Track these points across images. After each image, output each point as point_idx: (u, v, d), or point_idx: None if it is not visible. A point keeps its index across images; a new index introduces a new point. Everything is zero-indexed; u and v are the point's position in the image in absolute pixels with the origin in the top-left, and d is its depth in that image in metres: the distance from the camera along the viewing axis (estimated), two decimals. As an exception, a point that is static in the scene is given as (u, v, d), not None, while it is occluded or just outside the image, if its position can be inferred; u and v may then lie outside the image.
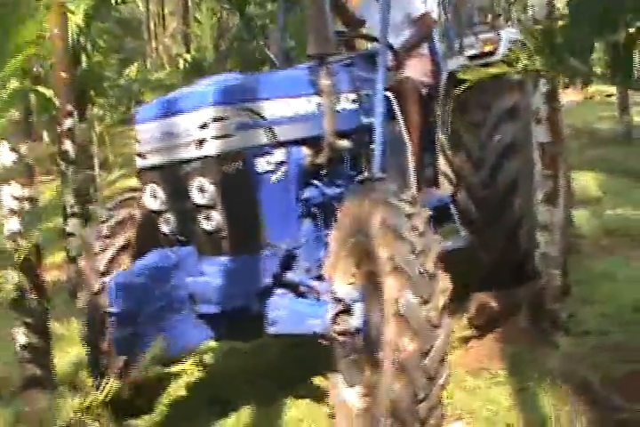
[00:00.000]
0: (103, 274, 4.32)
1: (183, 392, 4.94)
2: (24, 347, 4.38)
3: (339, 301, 3.74)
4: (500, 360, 4.56)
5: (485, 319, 5.04)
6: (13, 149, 4.39)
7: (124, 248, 4.41)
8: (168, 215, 4.24)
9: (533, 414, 3.89)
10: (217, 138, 3.92)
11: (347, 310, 3.71)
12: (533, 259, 4.90)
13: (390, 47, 5.01)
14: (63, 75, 7.54)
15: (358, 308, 3.70)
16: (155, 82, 16.93)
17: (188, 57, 17.20)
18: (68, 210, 7.95)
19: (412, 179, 4.90)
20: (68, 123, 7.66)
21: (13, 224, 4.38)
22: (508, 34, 5.40)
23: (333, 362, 3.88)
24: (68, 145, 7.80)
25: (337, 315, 3.70)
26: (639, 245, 6.62)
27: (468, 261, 5.17)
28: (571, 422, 3.74)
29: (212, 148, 3.92)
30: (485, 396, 4.16)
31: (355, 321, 3.69)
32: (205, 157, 3.94)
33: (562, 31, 4.23)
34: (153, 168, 4.22)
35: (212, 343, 5.20)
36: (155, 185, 4.21)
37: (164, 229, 4.27)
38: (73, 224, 7.94)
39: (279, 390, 4.54)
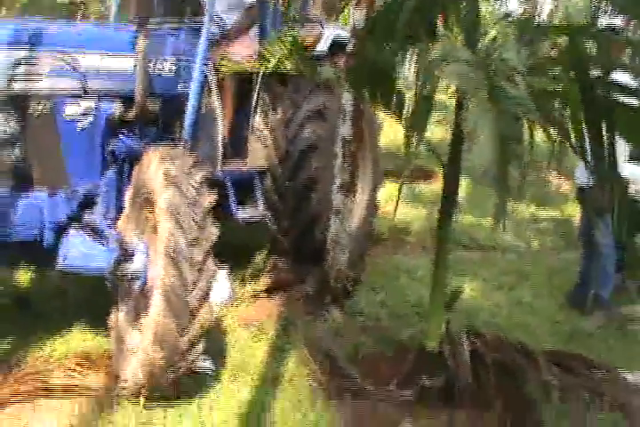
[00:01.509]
0: None
1: None
2: None
3: (122, 247, 4.04)
4: (272, 321, 4.99)
5: (276, 283, 5.48)
6: None
7: None
8: None
9: (278, 368, 4.35)
10: (26, 80, 4.18)
11: (128, 257, 4.03)
12: (324, 240, 5.32)
13: (219, 25, 5.34)
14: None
15: (139, 257, 4.02)
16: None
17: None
18: None
19: (219, 149, 5.24)
20: None
21: None
22: (333, 32, 5.72)
23: (116, 302, 4.19)
24: None
25: (119, 260, 4.02)
26: (457, 249, 7.12)
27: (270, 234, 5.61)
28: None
29: (21, 86, 4.17)
30: (244, 346, 4.60)
31: (133, 267, 4.01)
32: (15, 94, 4.18)
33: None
34: None
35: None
36: None
37: None
38: None
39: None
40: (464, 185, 9.80)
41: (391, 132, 8.70)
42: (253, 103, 5.48)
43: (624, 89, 2.70)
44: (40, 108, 4.26)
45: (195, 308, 3.68)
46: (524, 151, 3.24)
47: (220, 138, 5.26)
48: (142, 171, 4.12)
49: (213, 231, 3.84)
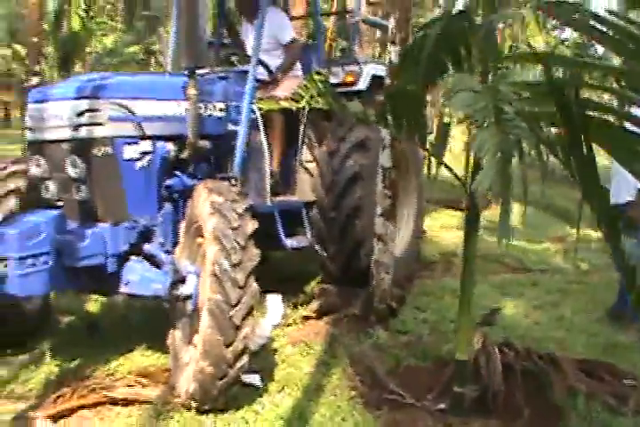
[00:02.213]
0: None
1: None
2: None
3: (177, 272, 4.41)
4: (320, 338, 5.37)
5: (325, 306, 5.85)
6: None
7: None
8: (48, 183, 4.90)
9: (321, 381, 4.70)
10: (90, 125, 4.67)
11: (182, 280, 4.40)
12: (368, 258, 5.71)
13: (265, 67, 5.80)
14: (34, 39, 8.50)
15: (192, 279, 4.39)
16: (127, 55, 17.52)
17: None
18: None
19: (267, 183, 5.66)
20: (34, 80, 8.47)
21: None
22: (371, 69, 6.13)
23: (172, 322, 4.59)
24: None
25: (174, 283, 4.38)
26: (507, 271, 7.40)
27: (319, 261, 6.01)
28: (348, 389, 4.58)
29: (85, 132, 4.66)
30: (292, 362, 4.96)
31: (186, 289, 4.38)
32: (80, 139, 4.68)
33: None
34: (38, 142, 4.90)
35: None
36: (39, 156, 4.89)
37: (46, 194, 4.92)
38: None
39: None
40: (518, 210, 10.11)
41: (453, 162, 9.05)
42: (300, 138, 5.90)
43: (598, 106, 2.96)
44: (103, 151, 4.72)
45: (239, 323, 4.02)
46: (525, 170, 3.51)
47: (267, 172, 5.67)
48: (194, 203, 4.52)
49: (255, 254, 4.18)
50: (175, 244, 4.81)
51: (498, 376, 4.44)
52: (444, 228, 8.73)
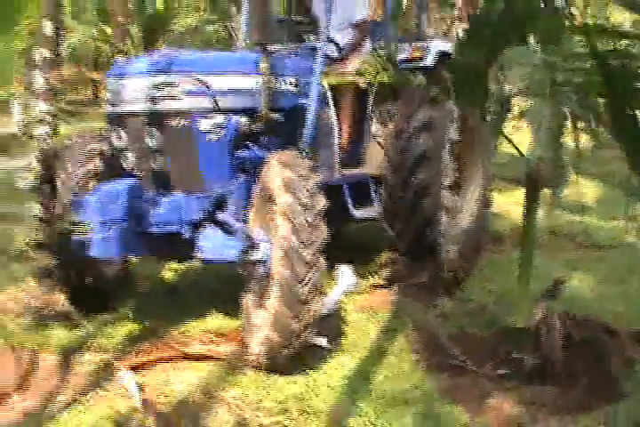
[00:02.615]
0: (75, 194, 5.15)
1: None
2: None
3: (250, 238, 4.59)
4: (387, 305, 5.62)
5: (393, 275, 6.09)
6: (44, 77, 5.74)
7: (92, 175, 5.23)
8: (128, 153, 5.12)
9: (385, 345, 4.92)
10: (167, 98, 4.90)
11: (254, 246, 4.55)
12: (436, 231, 5.83)
13: (336, 44, 5.95)
14: (120, 18, 8.86)
15: (263, 246, 4.51)
16: (208, 34, 17.63)
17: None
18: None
19: (336, 157, 5.85)
20: (118, 58, 8.79)
21: (40, 131, 5.69)
22: (437, 45, 6.19)
23: (246, 286, 4.80)
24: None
25: (247, 249, 4.53)
26: (575, 247, 7.45)
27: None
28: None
29: (164, 105, 4.89)
30: (359, 327, 5.20)
31: (258, 255, 4.51)
32: (159, 112, 4.90)
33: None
34: (118, 115, 5.11)
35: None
36: (119, 128, 5.09)
37: (124, 164, 5.14)
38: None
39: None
40: (593, 188, 10.12)
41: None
42: (368, 113, 6.05)
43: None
44: (180, 123, 4.95)
45: (306, 298, 4.21)
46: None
47: (336, 146, 5.87)
48: (266, 174, 4.66)
49: (324, 232, 4.32)
50: (246, 212, 4.99)
51: (557, 346, 4.56)
52: (517, 204, 8.79)
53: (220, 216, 5.04)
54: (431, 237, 5.91)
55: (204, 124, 5.03)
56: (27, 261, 6.14)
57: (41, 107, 5.68)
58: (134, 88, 4.96)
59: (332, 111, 5.83)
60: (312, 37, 6.28)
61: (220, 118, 5.07)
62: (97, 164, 5.22)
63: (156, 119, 4.94)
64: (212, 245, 4.89)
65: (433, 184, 5.88)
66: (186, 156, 5.05)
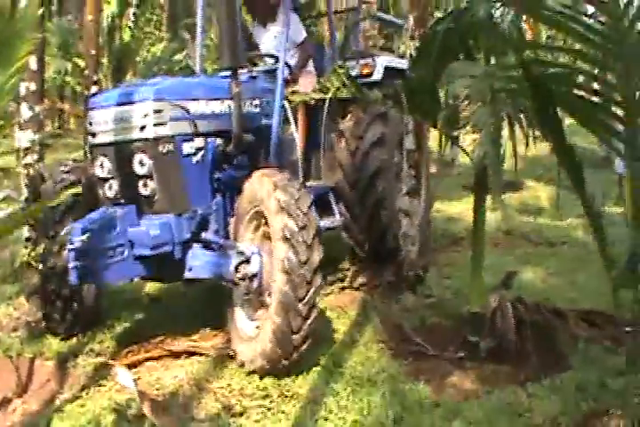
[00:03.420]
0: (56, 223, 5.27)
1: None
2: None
3: (241, 253, 4.82)
4: (354, 305, 6.08)
5: (357, 278, 6.55)
6: (30, 108, 6.16)
7: (72, 206, 5.35)
8: (112, 182, 5.29)
9: (354, 337, 5.37)
10: (155, 125, 5.06)
11: (247, 261, 4.80)
12: (396, 236, 6.36)
13: (287, 65, 6.25)
14: (92, 51, 9.30)
15: (255, 259, 4.80)
16: (173, 63, 18.46)
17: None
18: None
19: (300, 171, 6.22)
20: (93, 89, 9.12)
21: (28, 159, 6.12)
22: (384, 61, 6.65)
23: (233, 301, 5.05)
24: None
25: (239, 264, 4.78)
26: (529, 245, 7.99)
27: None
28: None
29: (151, 132, 5.06)
30: (329, 325, 5.58)
31: (253, 269, 4.78)
32: (146, 139, 5.07)
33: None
34: (102, 145, 5.28)
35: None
36: (103, 158, 5.26)
37: (108, 193, 5.30)
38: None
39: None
40: (548, 191, 10.71)
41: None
42: (322, 128, 6.40)
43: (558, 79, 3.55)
44: (166, 148, 5.15)
45: (306, 313, 4.50)
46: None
47: (300, 160, 6.25)
48: (252, 192, 4.90)
49: (320, 250, 4.58)
50: (227, 230, 5.24)
51: (510, 329, 5.02)
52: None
53: (204, 235, 5.27)
54: (391, 241, 6.39)
55: (187, 148, 5.28)
56: (17, 280, 6.60)
57: (29, 136, 6.08)
58: (121, 117, 5.16)
59: (293, 128, 6.22)
60: (267, 60, 6.67)
61: (199, 142, 5.35)
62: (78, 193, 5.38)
63: (145, 146, 5.12)
64: (201, 263, 5.13)
65: (389, 195, 6.33)
66: (173, 179, 5.24)
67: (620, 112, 3.14)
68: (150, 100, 5.10)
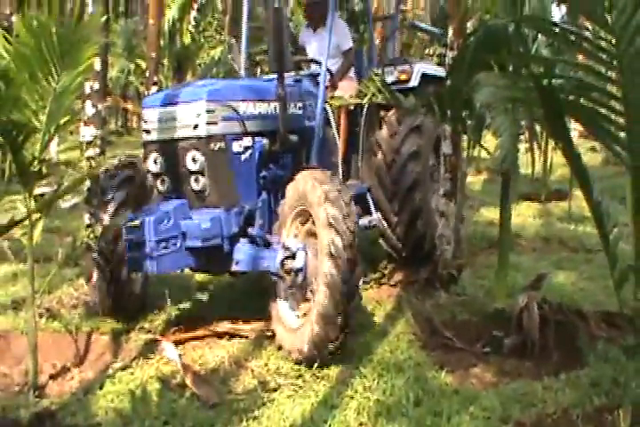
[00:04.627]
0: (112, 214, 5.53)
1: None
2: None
3: (287, 249, 5.11)
4: (390, 299, 6.43)
5: (395, 274, 6.90)
6: (94, 105, 6.61)
7: (126, 199, 5.62)
8: (164, 177, 5.59)
9: (386, 328, 5.71)
10: (207, 124, 5.34)
11: (292, 256, 5.09)
12: (432, 238, 6.68)
13: (328, 71, 6.47)
14: (153, 54, 9.79)
15: (300, 254, 5.07)
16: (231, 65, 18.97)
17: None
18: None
19: (340, 170, 6.55)
20: (153, 89, 9.50)
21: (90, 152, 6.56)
22: (421, 67, 6.92)
23: (277, 293, 5.33)
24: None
25: (285, 259, 5.09)
26: (565, 251, 8.23)
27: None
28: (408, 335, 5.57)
29: (203, 130, 5.34)
30: (365, 316, 5.89)
31: (297, 263, 5.06)
32: (199, 137, 5.35)
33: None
34: (156, 142, 5.58)
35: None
36: (156, 154, 5.56)
37: (160, 187, 5.61)
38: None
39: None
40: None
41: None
42: (362, 130, 6.75)
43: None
44: (217, 146, 5.42)
45: (350, 294, 4.75)
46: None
47: (339, 161, 6.57)
48: (299, 190, 5.13)
49: (360, 237, 4.87)
50: (272, 225, 5.54)
51: (535, 328, 5.30)
52: (520, 215, 9.68)
53: (250, 230, 5.53)
54: (428, 244, 6.72)
55: (236, 147, 5.52)
56: (76, 265, 7.09)
57: (92, 131, 6.56)
58: (175, 116, 5.45)
59: (334, 130, 6.53)
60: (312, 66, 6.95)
61: (247, 141, 5.58)
62: (131, 188, 5.70)
63: (198, 144, 5.40)
64: (247, 257, 5.39)
65: (425, 204, 6.63)
66: (224, 176, 5.50)
67: (621, 120, 3.43)
68: (204, 100, 5.37)
